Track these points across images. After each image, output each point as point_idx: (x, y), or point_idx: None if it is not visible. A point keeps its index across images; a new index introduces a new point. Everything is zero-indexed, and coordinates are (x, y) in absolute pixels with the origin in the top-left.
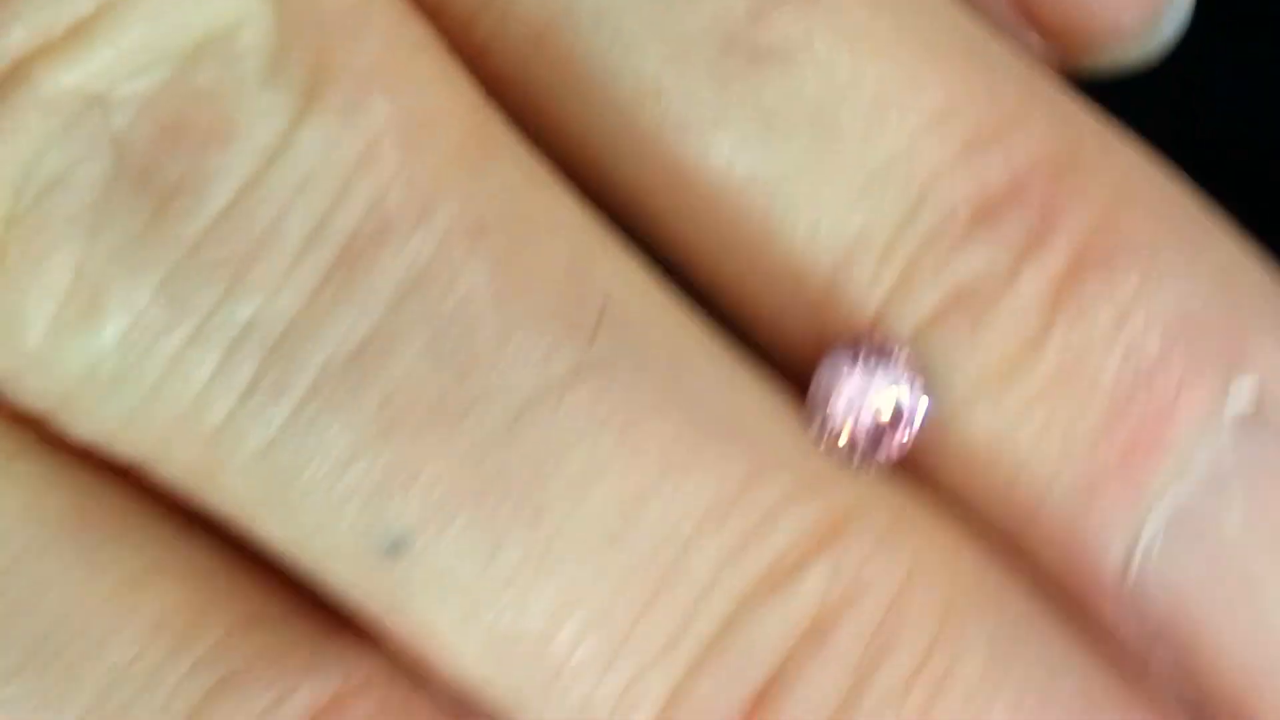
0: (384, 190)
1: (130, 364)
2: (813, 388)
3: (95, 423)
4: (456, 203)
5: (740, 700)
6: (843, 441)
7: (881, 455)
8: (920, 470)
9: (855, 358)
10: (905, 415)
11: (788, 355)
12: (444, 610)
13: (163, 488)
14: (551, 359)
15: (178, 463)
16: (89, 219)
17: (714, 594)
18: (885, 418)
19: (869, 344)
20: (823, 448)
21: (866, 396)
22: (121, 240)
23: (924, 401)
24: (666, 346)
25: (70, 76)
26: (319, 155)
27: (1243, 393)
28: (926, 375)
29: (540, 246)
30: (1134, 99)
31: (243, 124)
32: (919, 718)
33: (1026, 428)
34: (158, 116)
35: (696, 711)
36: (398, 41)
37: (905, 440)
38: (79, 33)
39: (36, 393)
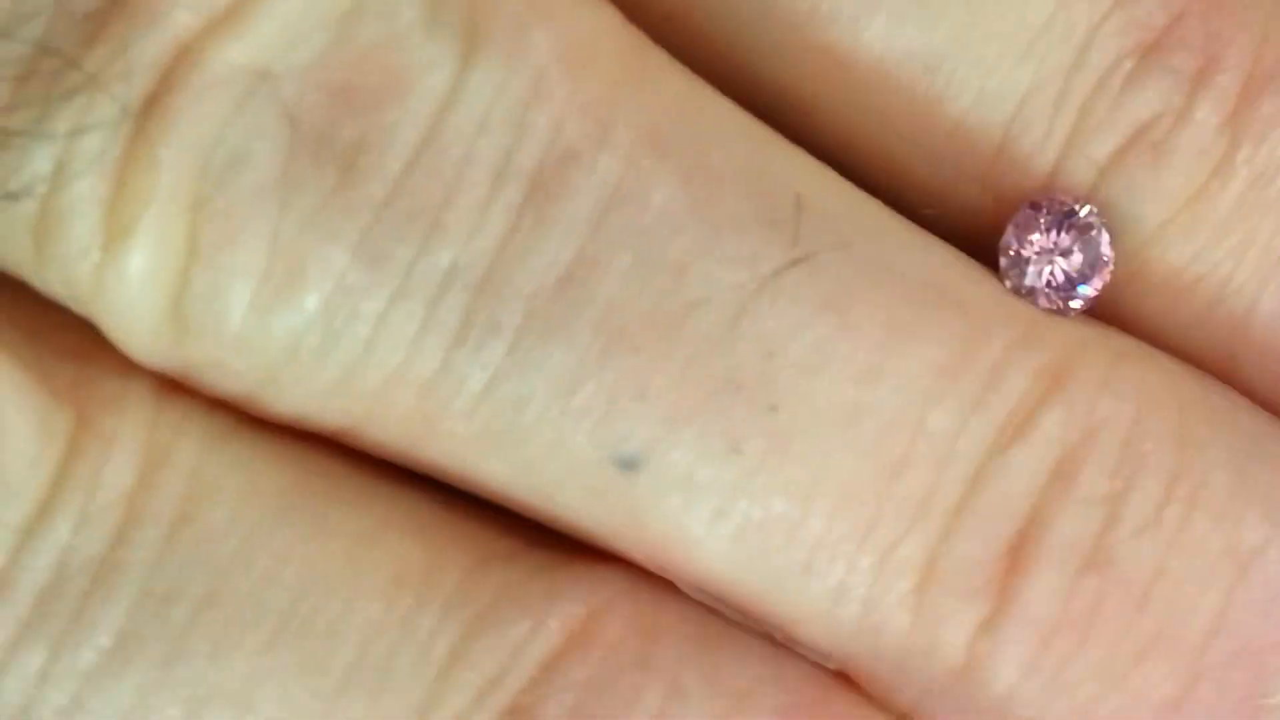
0: (561, 118)
1: (336, 330)
2: (1004, 248)
3: (303, 394)
4: (633, 119)
5: (997, 553)
6: (1042, 295)
7: (1081, 302)
8: (1123, 309)
9: (1042, 213)
10: (1098, 260)
11: (965, 225)
12: (690, 514)
13: (370, 450)
14: (759, 256)
15: (390, 420)
16: (276, 192)
17: (957, 453)
18: (1079, 266)
19: (1053, 198)
20: (1026, 302)
21: (1058, 248)
22: (311, 208)
23: (1110, 244)
24: (863, 229)
25: (236, 54)
26: (492, 95)
27: None
28: (1114, 217)
29: (721, 150)
30: None
31: (411, 76)
32: (1175, 542)
33: (1225, 247)
34: (326, 81)
35: (956, 571)
36: None
37: (1101, 284)
38: (238, 9)
39: (241, 374)
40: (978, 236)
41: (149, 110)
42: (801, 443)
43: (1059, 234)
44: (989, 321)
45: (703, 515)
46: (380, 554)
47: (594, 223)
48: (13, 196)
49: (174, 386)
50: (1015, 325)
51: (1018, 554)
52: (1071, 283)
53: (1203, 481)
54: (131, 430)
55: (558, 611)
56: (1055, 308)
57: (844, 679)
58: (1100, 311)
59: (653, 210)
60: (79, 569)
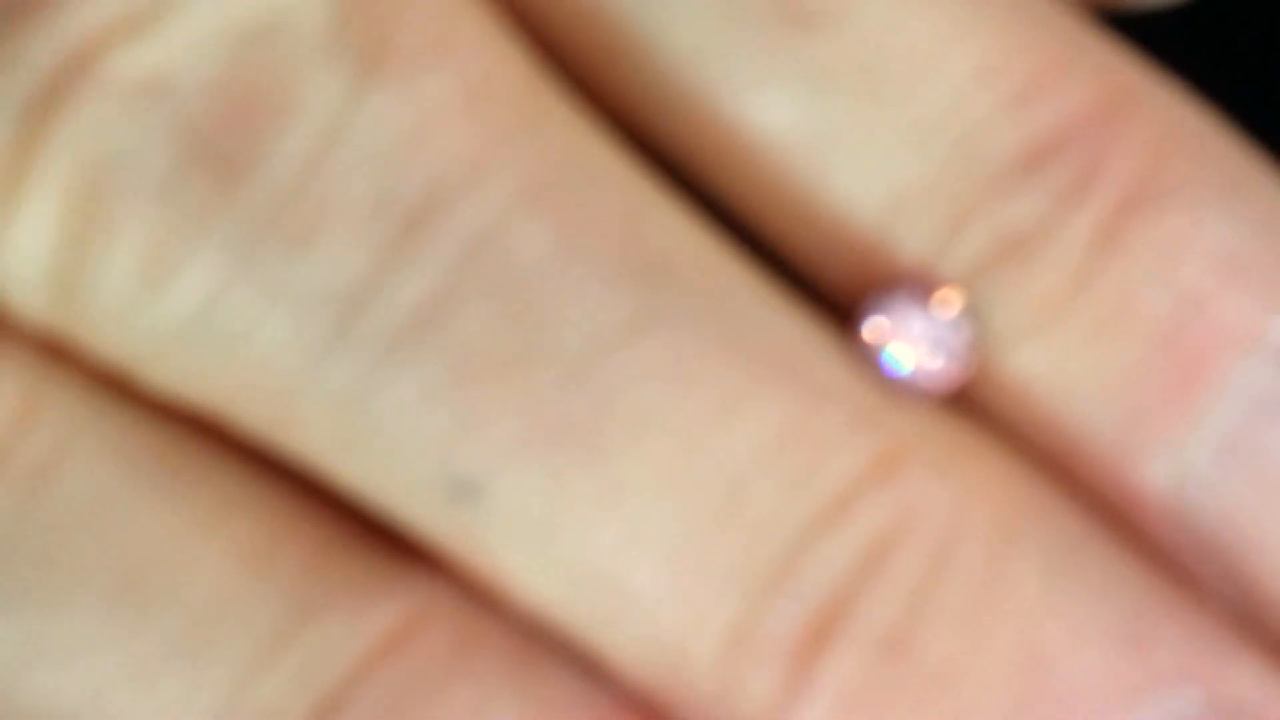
0: (441, 160)
1: (204, 321)
2: (864, 327)
3: (173, 376)
4: (514, 167)
5: (803, 627)
6: (895, 377)
7: (933, 390)
8: (972, 404)
9: (906, 298)
10: (955, 352)
11: (835, 298)
12: (516, 548)
13: (236, 435)
14: (610, 310)
15: (253, 412)
16: (160, 191)
17: (775, 526)
18: (936, 355)
19: (920, 285)
20: (875, 384)
21: (917, 335)
22: (192, 210)
23: (972, 339)
24: (718, 293)
25: (136, 61)
26: (379, 126)
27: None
28: (976, 314)
29: (596, 205)
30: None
31: (305, 99)
32: (979, 642)
33: (1076, 362)
34: (222, 95)
35: (761, 639)
36: (450, 14)
37: (956, 376)
38: (145, 18)
39: (115, 348)
40: (850, 312)
41: (44, 101)
42: (626, 494)
43: (920, 321)
44: (829, 398)
45: (527, 551)
46: (225, 531)
47: (460, 261)
48: None
49: (53, 352)
50: (855, 404)
51: (822, 631)
52: (927, 370)
53: (1013, 582)
54: (6, 383)
55: (385, 608)
56: (906, 392)
57: (650, 711)
58: (955, 400)
59: (519, 257)
60: None
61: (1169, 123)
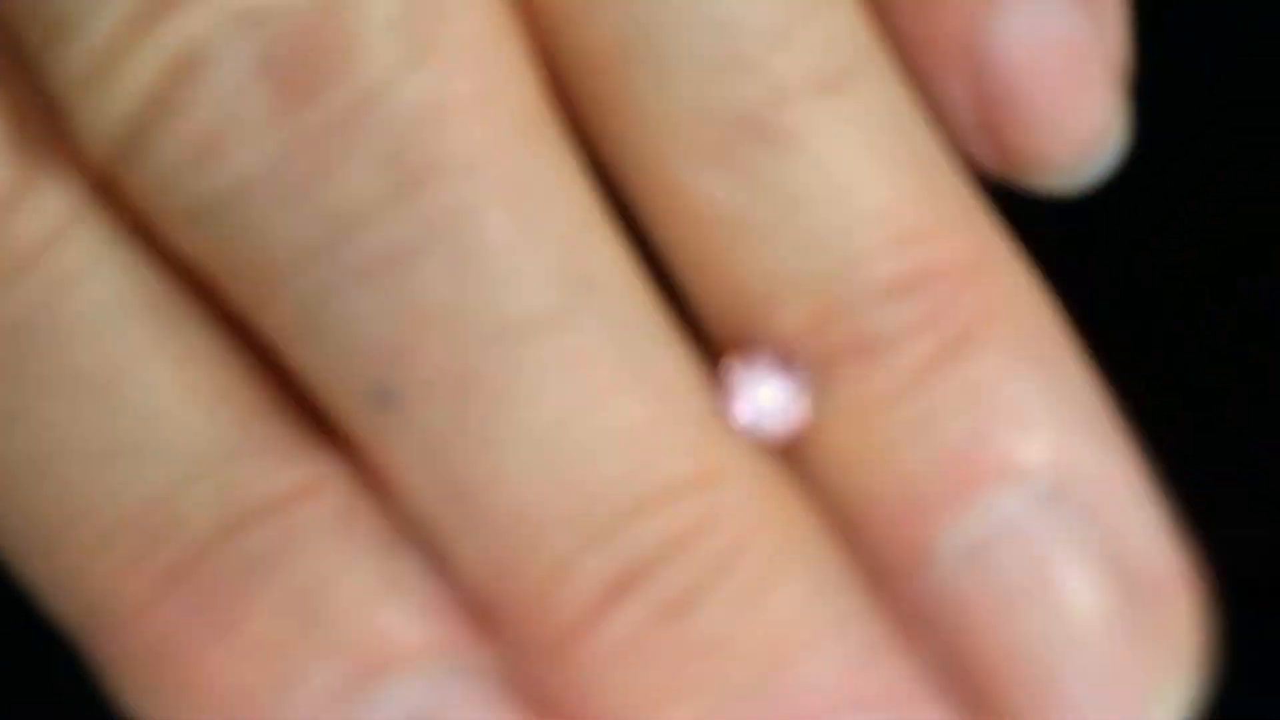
0: (451, 139)
1: (229, 204)
2: (727, 370)
3: (190, 239)
4: (501, 164)
5: (610, 577)
6: (738, 419)
7: (765, 438)
8: (791, 457)
9: (766, 362)
10: (791, 414)
11: (714, 346)
12: (412, 455)
13: (225, 302)
14: (539, 299)
15: (243, 287)
16: (232, 90)
17: (612, 494)
18: (775, 412)
19: (780, 355)
20: (723, 419)
21: (765, 392)
22: (251, 113)
23: (807, 408)
24: (626, 314)
25: None
26: (412, 99)
27: (1041, 475)
28: (815, 390)
29: (554, 214)
30: None
31: (364, 59)
32: (738, 630)
33: (882, 452)
34: (302, 34)
35: (577, 576)
36: (488, 32)
37: (786, 432)
38: None
39: (153, 202)
40: (719, 358)
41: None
42: (509, 441)
43: (770, 379)
44: (683, 418)
45: (423, 459)
46: (189, 369)
47: (437, 223)
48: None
49: (102, 189)
50: (701, 428)
51: (623, 585)
52: (763, 422)
53: (777, 593)
54: (57, 199)
55: (293, 469)
56: (745, 432)
57: (476, 609)
58: (778, 451)
59: (483, 236)
60: None
61: (1008, 289)
